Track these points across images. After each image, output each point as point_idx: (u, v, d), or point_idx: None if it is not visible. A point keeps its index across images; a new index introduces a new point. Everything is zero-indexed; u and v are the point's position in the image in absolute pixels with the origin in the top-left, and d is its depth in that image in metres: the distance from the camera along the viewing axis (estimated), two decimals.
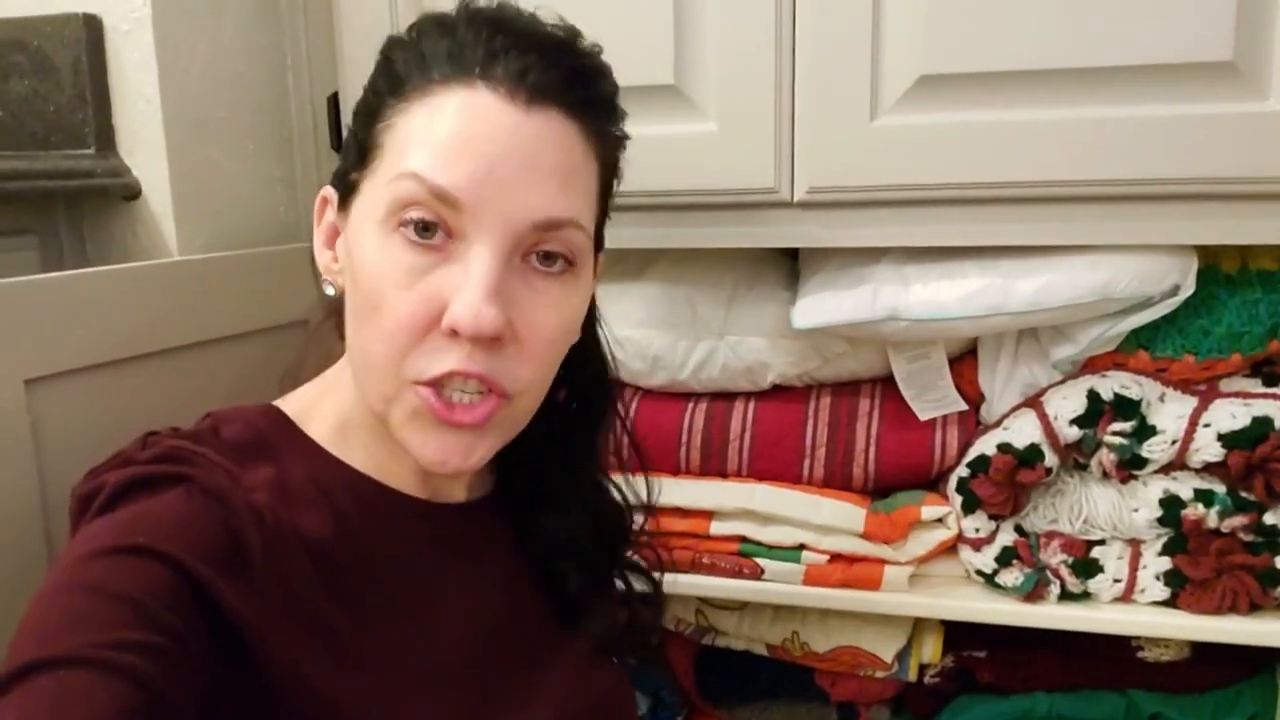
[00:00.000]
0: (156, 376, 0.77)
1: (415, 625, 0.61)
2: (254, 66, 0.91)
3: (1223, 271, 0.89)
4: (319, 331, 0.69)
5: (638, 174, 0.89)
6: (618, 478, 0.78)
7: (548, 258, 0.57)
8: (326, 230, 0.63)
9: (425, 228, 0.54)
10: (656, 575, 0.80)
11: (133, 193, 0.81)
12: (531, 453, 0.69)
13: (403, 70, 0.57)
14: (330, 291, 0.62)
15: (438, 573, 0.64)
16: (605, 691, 0.71)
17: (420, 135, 0.55)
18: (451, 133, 0.54)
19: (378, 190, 0.56)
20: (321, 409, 0.63)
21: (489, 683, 0.64)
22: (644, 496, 0.79)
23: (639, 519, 0.79)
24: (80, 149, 0.79)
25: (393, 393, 0.56)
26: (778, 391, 1.02)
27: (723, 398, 1.02)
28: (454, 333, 0.54)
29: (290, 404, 0.64)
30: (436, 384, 0.55)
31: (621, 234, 0.92)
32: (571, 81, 0.57)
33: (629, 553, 0.79)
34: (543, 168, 0.55)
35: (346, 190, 0.59)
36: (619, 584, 0.77)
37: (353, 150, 0.60)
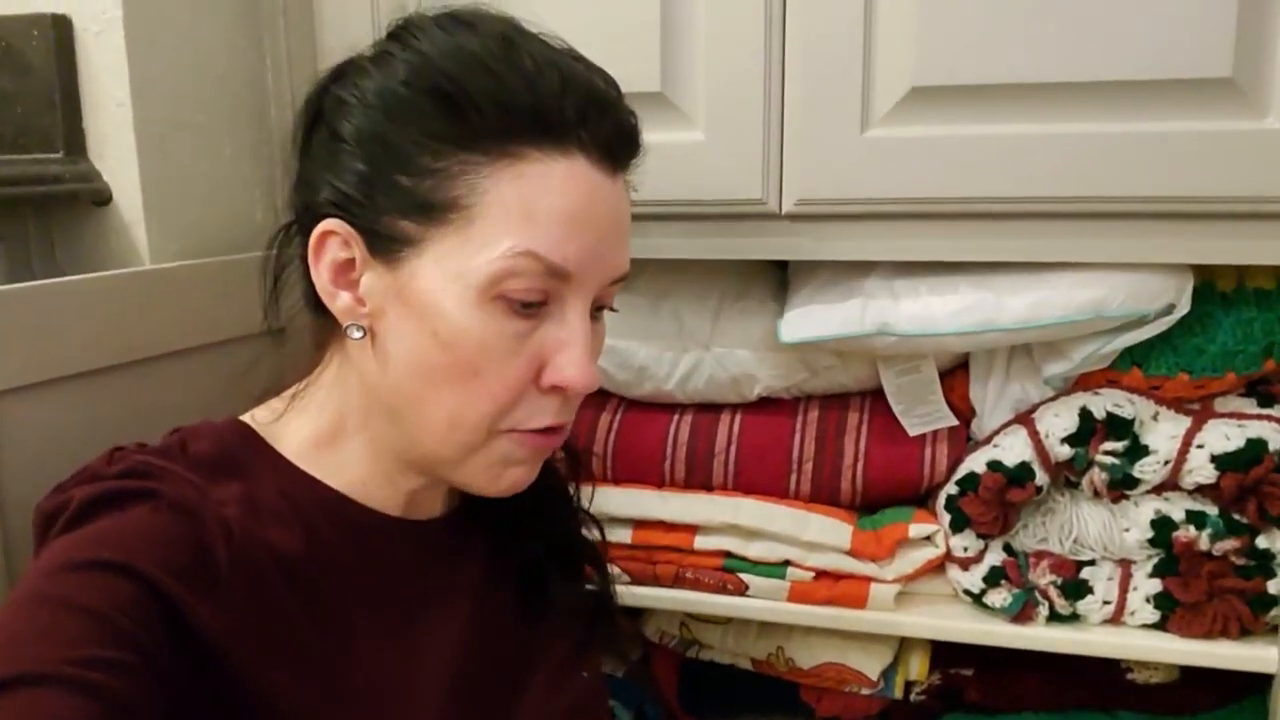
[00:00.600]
0: (128, 389, 0.75)
1: (394, 644, 0.61)
2: (232, 68, 0.89)
3: (1218, 289, 0.88)
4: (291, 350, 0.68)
5: None
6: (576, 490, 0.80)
7: (600, 306, 0.62)
8: (335, 268, 0.58)
9: (531, 300, 0.56)
10: (613, 588, 0.80)
11: (103, 198, 0.79)
12: None
13: (471, 119, 0.54)
14: (357, 336, 0.58)
15: (416, 591, 0.63)
16: (581, 701, 0.71)
17: (527, 210, 0.54)
18: (565, 209, 0.55)
19: (474, 258, 0.54)
20: (294, 427, 0.62)
21: (467, 696, 0.63)
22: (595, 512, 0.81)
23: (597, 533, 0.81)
24: (49, 153, 0.77)
25: (480, 443, 0.58)
26: (765, 404, 1.00)
27: (709, 410, 1.00)
28: (555, 389, 0.58)
29: (257, 418, 0.63)
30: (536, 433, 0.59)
31: None
32: (633, 145, 0.61)
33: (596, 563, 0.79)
34: (624, 231, 0.61)
35: (393, 239, 0.56)
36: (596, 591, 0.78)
37: (401, 197, 0.55)
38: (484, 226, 0.54)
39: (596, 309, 0.61)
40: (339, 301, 0.58)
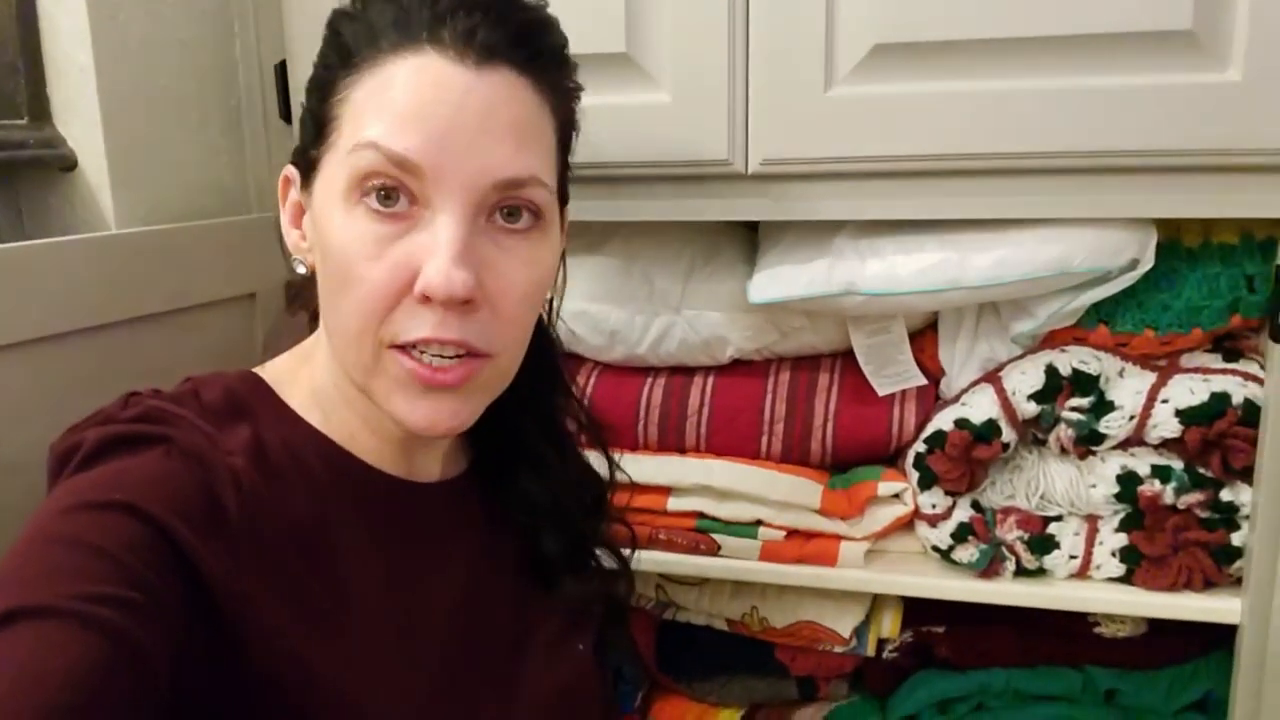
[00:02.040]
0: (93, 354, 0.76)
1: (391, 603, 0.61)
2: (199, 34, 0.89)
3: (1184, 245, 0.88)
4: (293, 306, 0.69)
5: (589, 145, 0.88)
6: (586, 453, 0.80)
7: (512, 214, 0.58)
8: (292, 209, 0.63)
9: (387, 195, 0.54)
10: (626, 552, 0.81)
11: (68, 164, 0.79)
12: (506, 421, 0.69)
13: (351, 42, 0.57)
14: (301, 270, 0.62)
15: (414, 553, 0.64)
16: (575, 672, 0.71)
17: (374, 105, 0.55)
18: (405, 99, 0.54)
19: (338, 164, 0.56)
20: (297, 378, 0.64)
21: (463, 664, 0.64)
22: (608, 473, 0.81)
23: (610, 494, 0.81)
24: (13, 119, 0.77)
25: (372, 362, 0.57)
26: (736, 366, 1.01)
27: (681, 372, 1.01)
28: (426, 298, 0.54)
29: (268, 371, 0.64)
30: (413, 348, 0.56)
31: (571, 206, 0.91)
32: (519, 37, 0.57)
33: (603, 527, 0.79)
34: (498, 127, 0.56)
35: (308, 168, 0.60)
36: (595, 558, 0.78)
37: (309, 127, 0.60)
38: (344, 132, 0.56)
39: (512, 226, 0.58)
40: (289, 239, 0.62)
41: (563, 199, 0.66)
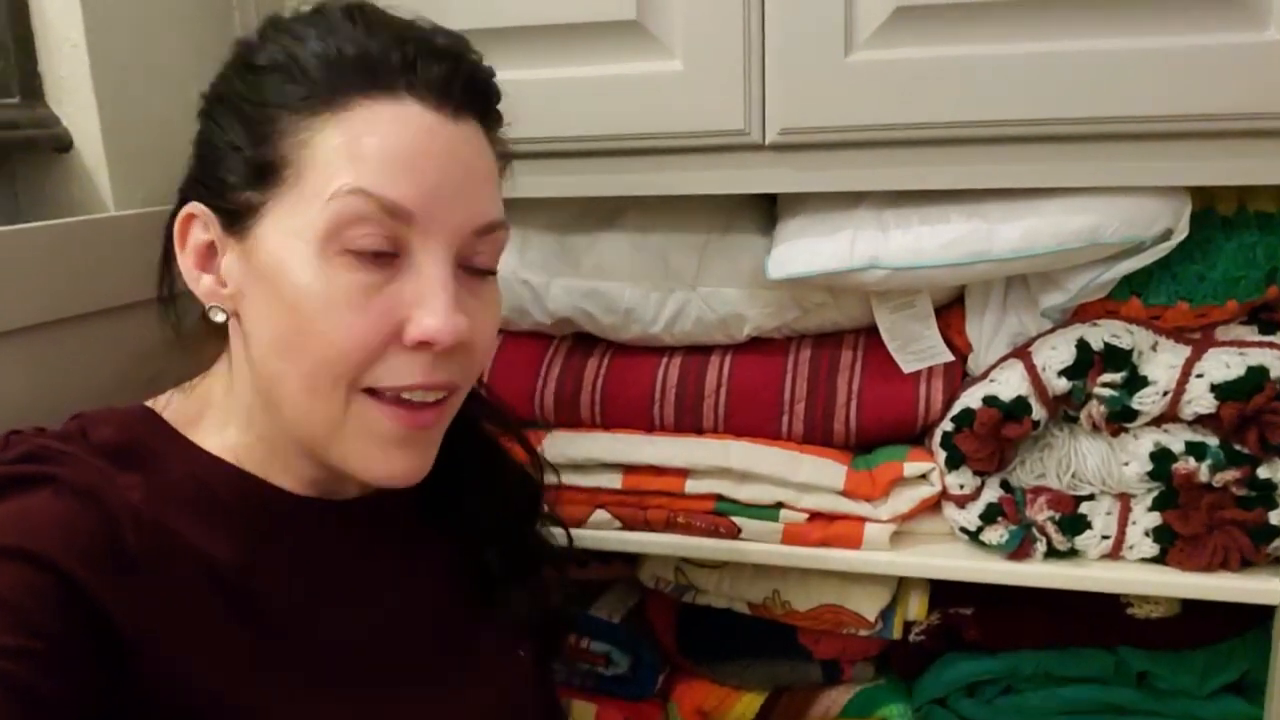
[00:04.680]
0: (93, 338, 0.74)
1: (312, 626, 0.60)
2: (195, 9, 0.86)
3: (1219, 214, 0.85)
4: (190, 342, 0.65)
5: (598, 117, 0.86)
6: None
7: (478, 269, 0.60)
8: (198, 251, 0.58)
9: (378, 250, 0.54)
10: (565, 533, 0.81)
11: (64, 144, 0.77)
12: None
13: (300, 79, 0.55)
14: (220, 318, 0.58)
15: (338, 571, 0.63)
16: (515, 677, 0.71)
17: (354, 151, 0.54)
18: (395, 147, 0.54)
19: (308, 211, 0.54)
20: (203, 418, 0.61)
21: (394, 679, 0.63)
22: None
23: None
24: (4, 98, 0.75)
25: (340, 413, 0.56)
26: (755, 344, 0.98)
27: (698, 351, 0.98)
28: (420, 345, 0.55)
29: (167, 409, 0.61)
30: (381, 393, 0.56)
31: (579, 181, 0.89)
32: (481, 91, 0.60)
33: (539, 528, 0.79)
34: (476, 177, 0.58)
35: (240, 211, 0.56)
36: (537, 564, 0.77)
37: (241, 168, 0.56)
38: (313, 177, 0.54)
39: (476, 270, 0.59)
40: (201, 285, 0.58)
41: None
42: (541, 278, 0.97)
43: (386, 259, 0.55)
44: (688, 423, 0.97)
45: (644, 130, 0.83)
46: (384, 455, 0.57)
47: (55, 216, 0.77)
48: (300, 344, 0.54)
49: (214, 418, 0.61)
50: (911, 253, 0.84)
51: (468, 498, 0.70)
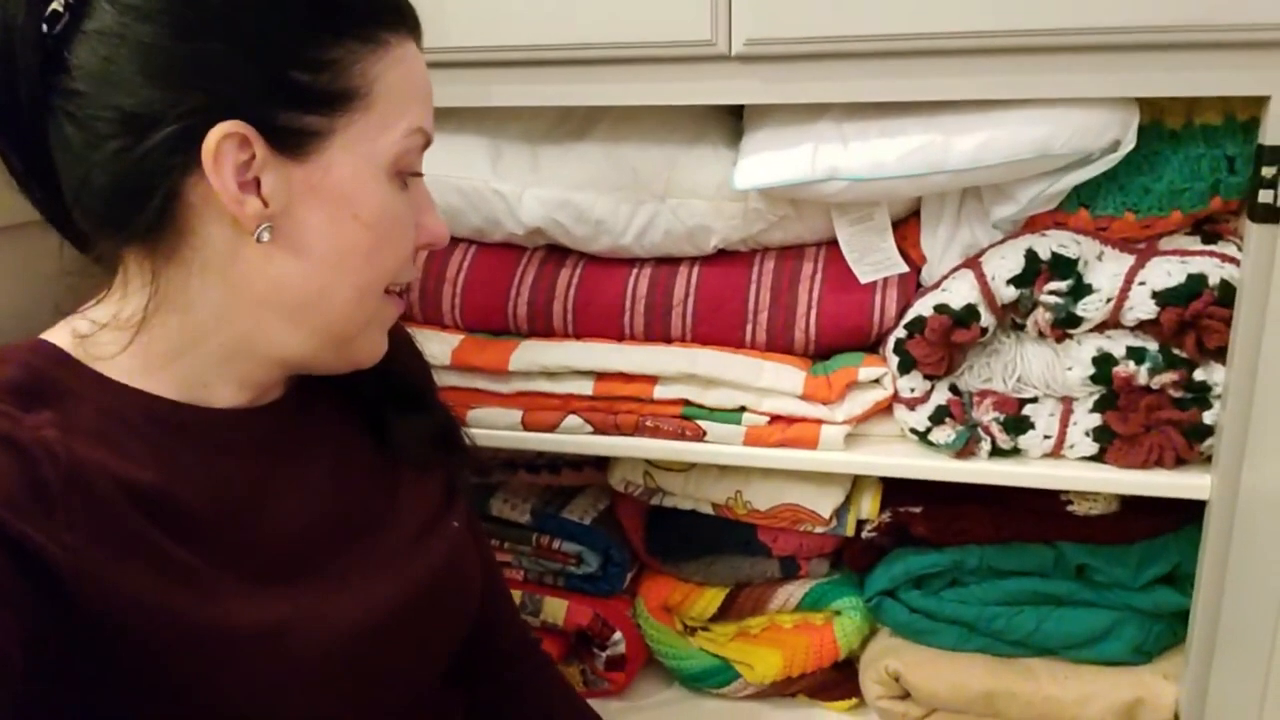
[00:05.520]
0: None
1: (240, 529, 0.61)
2: None
3: (1166, 127, 0.88)
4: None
5: (563, 26, 0.86)
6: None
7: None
8: (241, 171, 0.55)
9: (416, 172, 0.64)
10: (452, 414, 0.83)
11: None
12: None
13: (352, 11, 0.58)
14: (266, 238, 0.57)
15: (259, 480, 0.63)
16: (453, 546, 0.73)
17: (412, 88, 0.61)
18: (426, 87, 0.63)
19: (380, 139, 0.59)
20: (119, 344, 0.59)
21: (327, 564, 0.65)
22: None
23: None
24: None
25: (375, 311, 0.64)
26: (721, 256, 1.01)
27: (667, 263, 1.02)
28: (426, 246, 0.66)
29: (71, 341, 0.59)
30: (401, 289, 0.67)
31: (548, 91, 0.90)
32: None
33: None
34: None
35: (301, 135, 0.56)
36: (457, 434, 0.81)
37: (296, 93, 0.55)
38: (383, 109, 0.59)
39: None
40: (249, 207, 0.56)
41: None
42: (514, 188, 0.99)
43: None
44: (656, 331, 1.01)
45: (607, 39, 0.84)
46: (383, 340, 0.67)
47: None
48: (368, 258, 0.61)
49: (146, 347, 0.59)
50: (871, 165, 0.87)
51: (379, 369, 0.70)
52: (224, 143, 0.54)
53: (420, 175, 0.65)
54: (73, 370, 0.58)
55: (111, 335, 0.59)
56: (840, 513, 1.03)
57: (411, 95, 0.61)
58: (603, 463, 1.15)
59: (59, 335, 0.60)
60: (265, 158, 0.56)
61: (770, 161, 0.90)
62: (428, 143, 0.64)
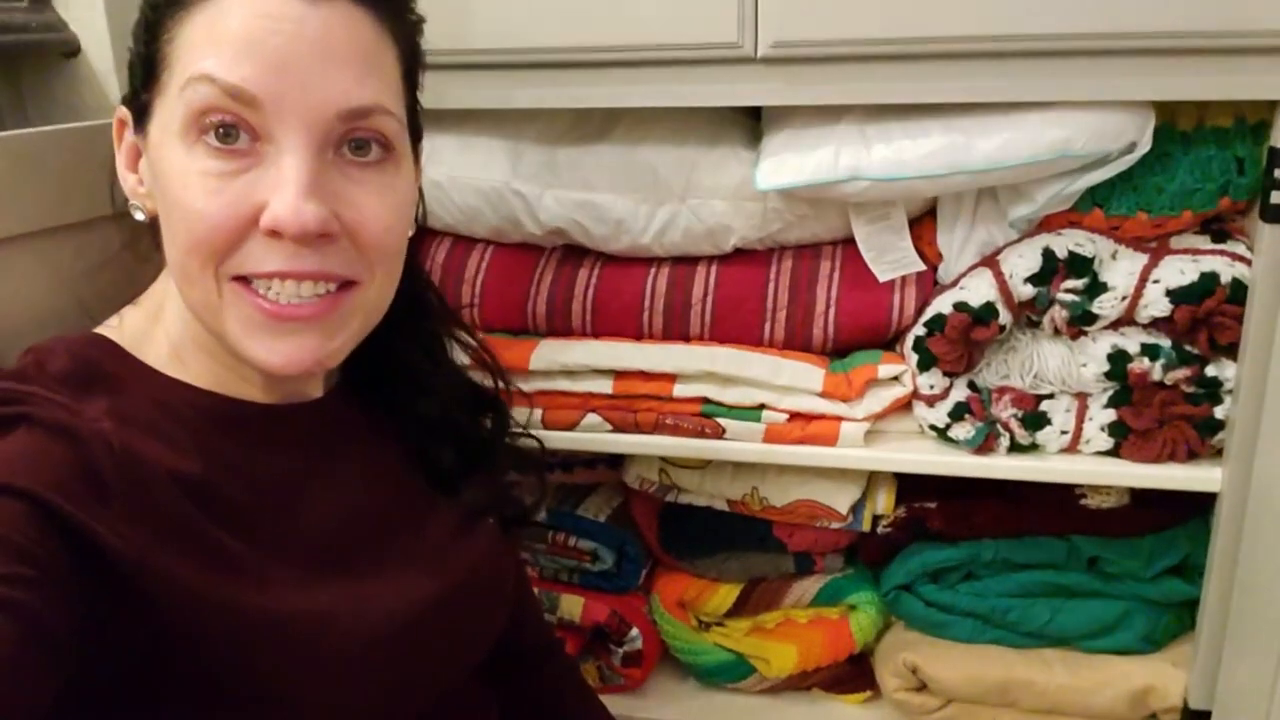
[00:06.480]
0: (101, 244, 0.75)
1: (284, 522, 0.62)
2: None
3: (1178, 129, 0.90)
4: (124, 258, 0.67)
5: (588, 27, 0.87)
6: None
7: (360, 147, 0.58)
8: (128, 152, 0.61)
9: (226, 132, 0.54)
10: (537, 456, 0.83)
11: (72, 49, 0.77)
12: (378, 342, 0.67)
13: None
14: (140, 216, 0.60)
15: (298, 473, 0.64)
16: (481, 552, 0.73)
17: (205, 39, 0.54)
18: (236, 30, 0.53)
19: (171, 102, 0.55)
20: (153, 335, 0.62)
21: (367, 557, 0.65)
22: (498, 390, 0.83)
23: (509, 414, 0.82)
24: (12, 2, 0.75)
25: (216, 298, 0.56)
26: (739, 255, 1.02)
27: (685, 262, 1.02)
28: (274, 234, 0.54)
29: (117, 331, 0.62)
30: (255, 281, 0.56)
31: (572, 93, 0.91)
32: None
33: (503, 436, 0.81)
34: (337, 57, 0.55)
35: (140, 111, 0.59)
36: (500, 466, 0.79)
37: (138, 69, 0.59)
38: (176, 70, 0.55)
39: (358, 149, 0.58)
40: (126, 183, 0.61)
41: (415, 134, 0.66)
42: (534, 189, 1.00)
43: (246, 148, 0.55)
44: (675, 330, 1.01)
45: (634, 42, 0.85)
46: (263, 344, 0.57)
47: (63, 121, 0.78)
48: (171, 230, 0.57)
49: (164, 333, 0.62)
50: (893, 165, 0.88)
51: (421, 403, 0.72)
52: (119, 127, 0.61)
53: (260, 143, 0.55)
54: (120, 361, 0.60)
55: (145, 323, 0.62)
56: (856, 508, 1.04)
57: (203, 43, 0.54)
58: (616, 461, 1.15)
59: (110, 326, 0.62)
60: (131, 139, 0.60)
61: (793, 162, 0.91)
62: (236, 94, 0.53)
